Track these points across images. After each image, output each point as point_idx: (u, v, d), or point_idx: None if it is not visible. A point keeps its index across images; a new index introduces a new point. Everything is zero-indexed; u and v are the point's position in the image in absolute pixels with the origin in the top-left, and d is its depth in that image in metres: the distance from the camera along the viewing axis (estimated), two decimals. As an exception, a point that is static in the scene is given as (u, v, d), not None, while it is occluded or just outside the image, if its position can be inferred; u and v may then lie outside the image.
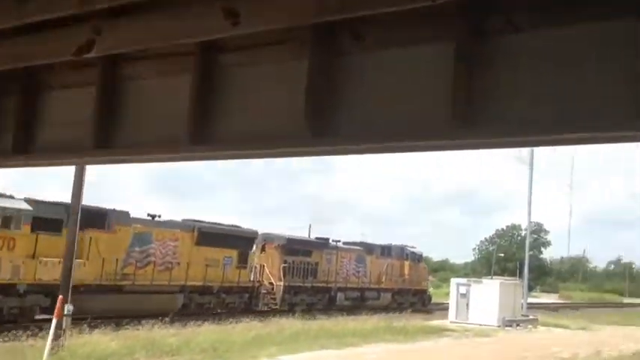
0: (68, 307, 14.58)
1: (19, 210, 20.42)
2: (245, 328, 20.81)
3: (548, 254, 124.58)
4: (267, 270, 31.35)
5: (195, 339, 17.03)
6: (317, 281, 33.84)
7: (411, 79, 2.99)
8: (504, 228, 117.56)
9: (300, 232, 32.26)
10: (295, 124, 3.20)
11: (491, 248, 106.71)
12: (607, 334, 32.08)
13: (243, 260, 29.29)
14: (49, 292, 19.76)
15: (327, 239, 36.04)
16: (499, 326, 30.30)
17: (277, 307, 30.77)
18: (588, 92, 2.60)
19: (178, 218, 27.21)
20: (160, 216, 25.92)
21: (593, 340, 26.92)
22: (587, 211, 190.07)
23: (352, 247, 37.98)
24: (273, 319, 24.72)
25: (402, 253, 40.80)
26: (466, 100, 2.81)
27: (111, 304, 22.47)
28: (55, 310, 14.11)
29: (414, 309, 34.89)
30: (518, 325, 32.14)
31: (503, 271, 71.10)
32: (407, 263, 40.48)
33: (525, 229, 46.26)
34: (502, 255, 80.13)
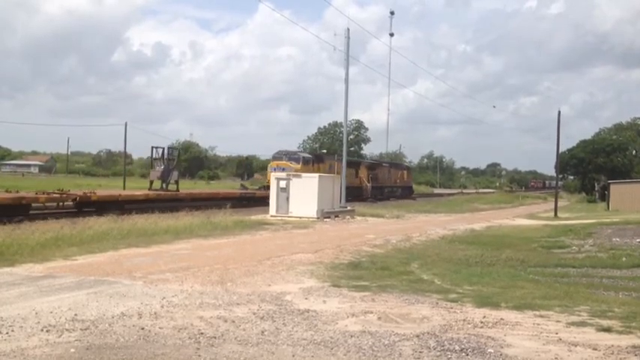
0: None
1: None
2: (47, 229, 18.89)
3: (368, 150, 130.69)
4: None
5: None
6: (378, 184, 64.76)
7: None
8: (327, 126, 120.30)
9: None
10: None
11: (315, 145, 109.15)
12: (418, 222, 33.84)
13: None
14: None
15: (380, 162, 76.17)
16: (318, 218, 30.75)
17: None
18: None
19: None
20: None
21: (404, 227, 28.11)
22: (405, 110, 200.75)
23: (390, 163, 76.24)
24: (82, 220, 22.95)
25: (402, 166, 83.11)
26: None
27: None
28: None
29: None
30: (336, 216, 32.89)
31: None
32: (405, 172, 78.07)
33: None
34: (325, 151, 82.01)
